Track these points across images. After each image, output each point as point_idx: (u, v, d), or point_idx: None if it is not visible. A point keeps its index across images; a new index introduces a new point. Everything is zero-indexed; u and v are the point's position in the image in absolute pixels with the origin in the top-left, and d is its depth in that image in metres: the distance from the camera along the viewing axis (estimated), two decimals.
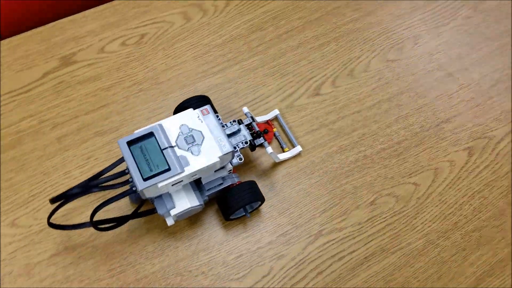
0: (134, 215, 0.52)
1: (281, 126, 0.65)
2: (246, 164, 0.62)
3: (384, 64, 0.71)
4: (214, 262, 0.56)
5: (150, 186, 0.47)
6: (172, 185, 0.49)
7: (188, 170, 0.48)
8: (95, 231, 0.55)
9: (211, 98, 0.66)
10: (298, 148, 0.63)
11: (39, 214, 0.57)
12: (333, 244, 0.58)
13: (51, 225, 0.50)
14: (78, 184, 0.50)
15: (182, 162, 0.48)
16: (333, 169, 0.62)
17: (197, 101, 0.58)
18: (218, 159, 0.49)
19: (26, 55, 0.68)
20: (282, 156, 0.62)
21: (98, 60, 0.69)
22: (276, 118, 0.66)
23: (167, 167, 0.48)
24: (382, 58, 0.72)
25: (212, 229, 0.58)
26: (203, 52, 0.70)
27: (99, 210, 0.49)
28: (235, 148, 0.55)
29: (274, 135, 0.64)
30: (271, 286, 0.55)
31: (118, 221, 0.52)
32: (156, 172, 0.47)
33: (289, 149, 0.63)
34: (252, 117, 0.60)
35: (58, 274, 0.54)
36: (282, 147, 0.63)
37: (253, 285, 0.55)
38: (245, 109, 0.61)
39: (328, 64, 0.70)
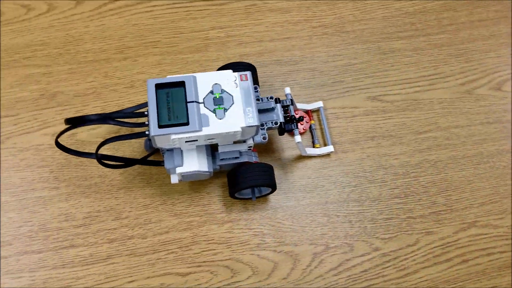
0: (142, 161, 0.51)
1: (319, 120, 0.61)
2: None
3: None
4: (363, 216, 0.56)
5: (163, 135, 0.44)
6: (186, 141, 0.46)
7: (206, 131, 0.45)
8: None
9: (390, 62, 0.65)
10: (330, 148, 0.58)
11: None
12: (485, 238, 0.56)
13: (58, 144, 0.49)
14: (98, 113, 0.48)
15: (203, 121, 0.46)
16: (500, 166, 0.60)
17: (243, 68, 0.55)
18: (240, 130, 0.46)
19: None
20: (310, 151, 0.57)
21: None
22: (317, 110, 0.61)
23: (186, 121, 0.45)
24: None
25: (373, 184, 0.58)
26: (393, 15, 0.69)
27: (106, 144, 0.47)
28: (262, 125, 0.52)
29: (310, 127, 0.60)
30: (415, 257, 0.55)
31: (126, 162, 0.50)
32: (173, 123, 0.45)
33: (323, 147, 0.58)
34: (291, 100, 0.55)
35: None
36: (313, 142, 0.59)
37: (396, 250, 0.55)
38: (287, 90, 0.56)
39: None
